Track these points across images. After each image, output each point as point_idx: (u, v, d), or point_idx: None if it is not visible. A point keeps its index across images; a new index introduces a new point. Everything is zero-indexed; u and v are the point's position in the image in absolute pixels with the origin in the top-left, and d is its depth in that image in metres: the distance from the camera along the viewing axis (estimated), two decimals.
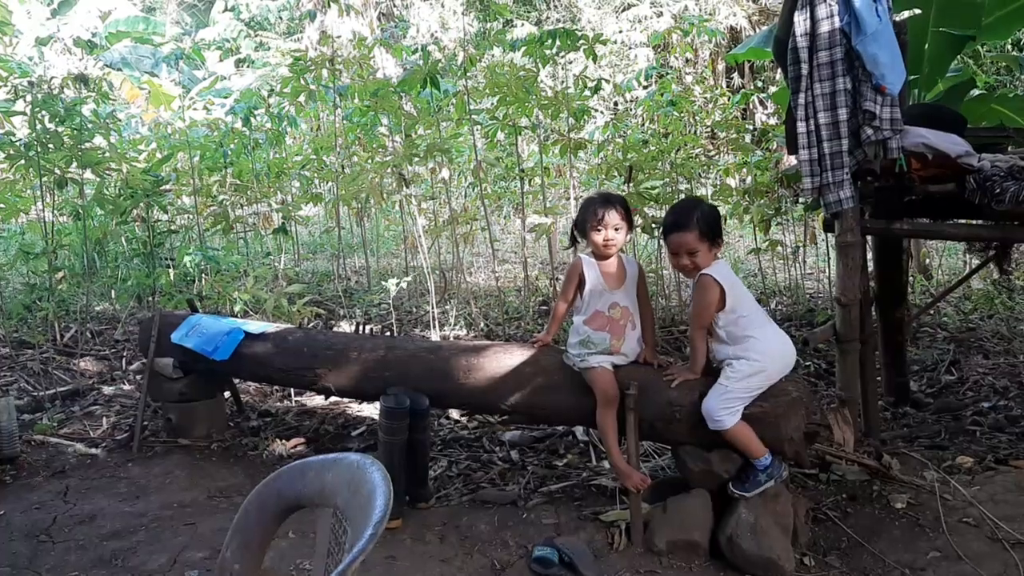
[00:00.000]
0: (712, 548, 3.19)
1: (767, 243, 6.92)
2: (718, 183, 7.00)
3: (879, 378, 4.78)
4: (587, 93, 6.08)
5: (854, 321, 3.89)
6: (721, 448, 3.16)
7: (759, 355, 3.08)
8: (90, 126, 6.30)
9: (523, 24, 13.75)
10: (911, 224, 4.24)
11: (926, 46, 5.51)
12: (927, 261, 8.01)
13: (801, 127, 3.66)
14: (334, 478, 1.54)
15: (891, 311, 4.82)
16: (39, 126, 6.00)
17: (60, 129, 6.12)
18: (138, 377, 5.60)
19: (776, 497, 3.17)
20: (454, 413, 4.98)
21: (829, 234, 4.84)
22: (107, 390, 5.51)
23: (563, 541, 3.21)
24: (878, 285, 4.79)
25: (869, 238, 4.49)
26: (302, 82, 6.66)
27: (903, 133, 3.73)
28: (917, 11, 5.58)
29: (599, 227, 3.34)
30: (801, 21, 3.63)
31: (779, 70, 12.72)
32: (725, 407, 3.05)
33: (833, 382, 5.10)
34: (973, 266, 6.85)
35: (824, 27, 3.58)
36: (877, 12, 3.57)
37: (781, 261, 7.83)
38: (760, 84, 10.32)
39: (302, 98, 6.98)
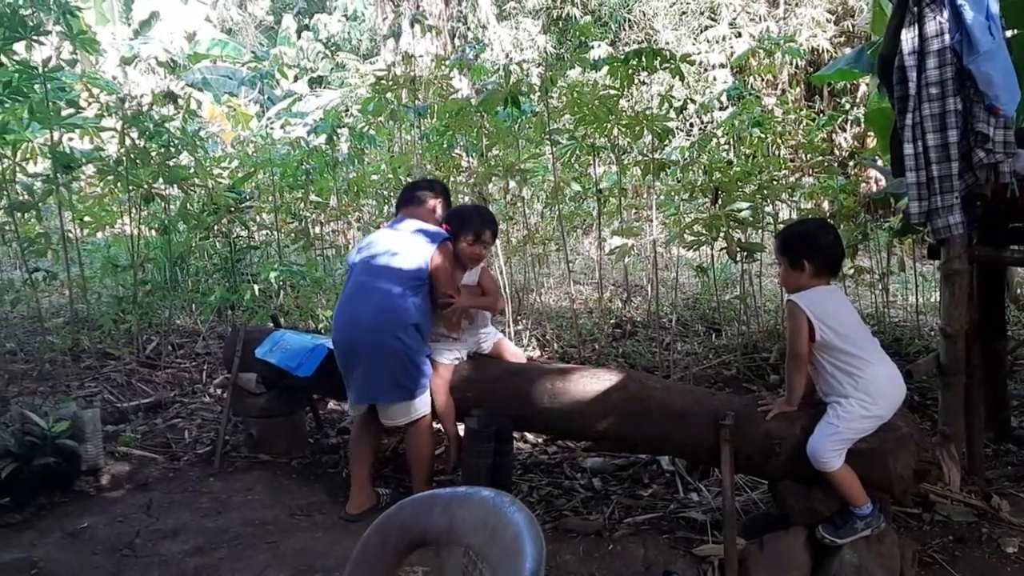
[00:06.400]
0: None
1: (852, 269, 6.70)
2: (803, 207, 6.79)
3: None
4: (670, 114, 5.95)
5: (959, 353, 3.71)
6: (824, 484, 3.01)
7: (870, 397, 2.90)
8: (176, 143, 6.43)
9: (599, 45, 13.68)
10: (1023, 252, 4.03)
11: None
12: (1019, 291, 7.65)
13: (908, 148, 3.50)
14: (465, 515, 1.45)
15: (992, 343, 4.58)
16: (128, 142, 6.14)
17: (148, 145, 6.25)
18: (219, 391, 5.65)
19: (881, 538, 2.99)
20: (530, 436, 4.88)
21: (931, 262, 4.63)
22: (189, 403, 5.57)
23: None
24: (979, 315, 4.56)
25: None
26: (383, 101, 6.68)
27: (1015, 157, 3.54)
28: (1015, 31, 5.33)
29: None
30: (908, 39, 3.48)
31: (859, 93, 12.45)
32: (833, 448, 2.89)
33: (928, 415, 4.87)
34: None
35: (934, 45, 3.42)
36: (990, 31, 3.40)
37: (865, 288, 7.57)
38: (845, 106, 10.04)
39: (382, 117, 7.00)
